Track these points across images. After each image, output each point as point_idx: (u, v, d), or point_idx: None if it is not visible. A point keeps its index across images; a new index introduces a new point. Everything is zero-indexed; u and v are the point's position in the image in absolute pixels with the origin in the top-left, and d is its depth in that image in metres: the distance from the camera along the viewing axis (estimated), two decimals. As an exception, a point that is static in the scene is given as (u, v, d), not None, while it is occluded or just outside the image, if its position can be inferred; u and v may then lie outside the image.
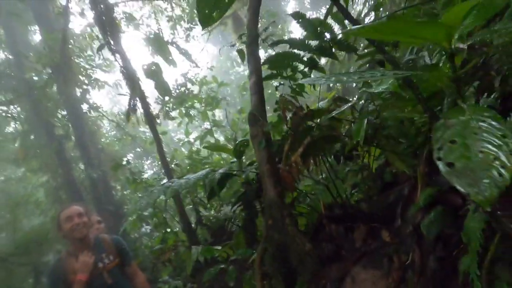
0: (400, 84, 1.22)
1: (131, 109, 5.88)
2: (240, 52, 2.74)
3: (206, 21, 1.30)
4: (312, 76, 2.29)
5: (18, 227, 7.96)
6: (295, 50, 2.17)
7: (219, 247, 2.26)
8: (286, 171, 1.82)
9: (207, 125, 10.53)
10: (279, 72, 2.20)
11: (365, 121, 1.38)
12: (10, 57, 11.62)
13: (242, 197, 2.12)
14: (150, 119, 5.71)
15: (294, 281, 1.64)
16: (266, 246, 1.76)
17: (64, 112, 10.39)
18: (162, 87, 5.41)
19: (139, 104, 5.83)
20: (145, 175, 12.31)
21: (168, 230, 6.47)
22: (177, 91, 6.70)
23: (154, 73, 5.32)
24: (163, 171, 7.21)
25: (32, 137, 11.68)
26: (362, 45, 2.47)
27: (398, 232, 1.40)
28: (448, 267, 1.04)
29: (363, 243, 1.60)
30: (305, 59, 2.18)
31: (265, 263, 1.71)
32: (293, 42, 1.99)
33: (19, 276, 7.29)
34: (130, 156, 14.70)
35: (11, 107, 12.34)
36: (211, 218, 5.88)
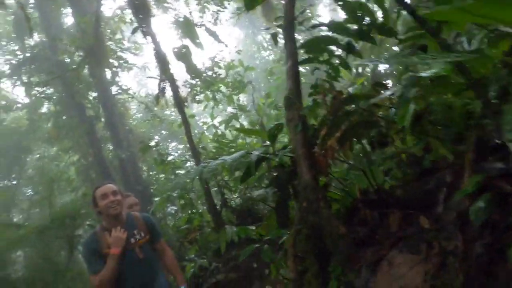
0: (453, 69, 1.20)
1: (161, 92, 6.00)
2: (274, 35, 2.73)
3: (251, 4, 1.31)
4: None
5: (53, 202, 8.40)
6: (332, 34, 2.15)
7: (253, 227, 2.32)
8: (321, 155, 1.84)
9: (231, 109, 10.61)
10: (315, 56, 2.19)
11: (412, 107, 1.36)
12: (45, 39, 12.04)
13: (275, 179, 2.16)
14: (178, 102, 5.82)
15: (327, 262, 1.68)
16: (300, 227, 1.80)
17: (95, 94, 10.73)
18: (192, 70, 5.48)
19: (168, 87, 5.94)
20: (170, 157, 12.61)
21: (194, 211, 6.67)
22: (204, 74, 6.77)
23: (184, 55, 5.39)
24: (189, 153, 7.39)
25: (64, 117, 12.14)
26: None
27: (439, 218, 1.40)
28: (494, 253, 1.04)
29: (399, 229, 1.60)
30: (342, 43, 2.15)
31: (298, 244, 1.76)
32: (332, 26, 1.97)
33: (54, 248, 7.74)
34: (155, 138, 15.09)
35: (45, 88, 12.81)
36: (237, 200, 6.01)
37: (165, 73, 5.50)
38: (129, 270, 2.51)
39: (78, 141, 11.39)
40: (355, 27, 2.04)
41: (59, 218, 7.67)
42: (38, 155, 16.70)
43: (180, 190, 5.98)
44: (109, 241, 2.45)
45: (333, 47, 2.19)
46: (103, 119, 11.22)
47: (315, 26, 2.20)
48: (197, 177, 2.13)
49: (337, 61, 2.22)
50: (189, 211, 6.58)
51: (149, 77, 6.31)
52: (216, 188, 6.57)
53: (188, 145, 9.43)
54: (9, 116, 16.32)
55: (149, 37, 5.64)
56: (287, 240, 1.84)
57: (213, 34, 5.83)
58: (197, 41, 5.84)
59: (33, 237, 7.48)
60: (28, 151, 16.71)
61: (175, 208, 10.17)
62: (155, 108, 10.68)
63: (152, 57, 5.54)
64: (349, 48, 2.17)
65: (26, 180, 17.14)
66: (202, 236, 6.63)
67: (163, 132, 15.75)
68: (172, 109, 13.02)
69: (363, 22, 2.00)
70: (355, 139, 1.87)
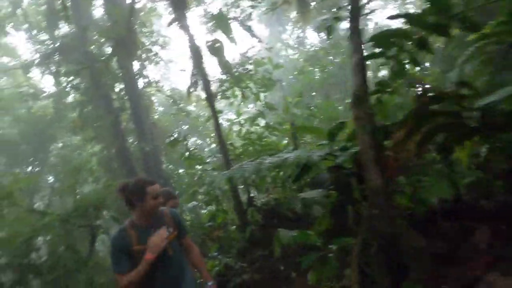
0: None
1: (193, 85, 5.91)
2: (329, 28, 2.56)
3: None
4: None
5: (76, 192, 8.47)
6: (404, 27, 1.97)
7: (310, 232, 2.16)
8: (394, 158, 1.66)
9: (251, 106, 10.47)
10: (382, 51, 2.02)
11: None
12: (75, 30, 12.17)
13: (334, 182, 1.99)
14: (210, 96, 5.71)
15: (400, 277, 1.51)
16: (368, 237, 1.63)
17: (121, 86, 10.78)
18: (224, 65, 5.37)
19: (200, 81, 5.85)
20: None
21: (219, 208, 6.56)
22: (235, 70, 6.65)
23: (217, 50, 5.29)
24: (207, 148, 7.26)
25: (89, 108, 12.26)
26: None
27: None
28: None
29: (489, 246, 1.42)
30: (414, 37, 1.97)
31: (366, 255, 1.59)
32: (410, 17, 1.79)
33: (77, 237, 7.79)
34: (175, 133, 15.12)
35: (72, 78, 12.99)
36: (263, 200, 5.87)
37: (198, 67, 5.40)
38: (159, 266, 2.42)
39: (103, 132, 11.48)
40: (432, 20, 1.86)
41: (82, 207, 7.72)
42: (61, 144, 17.03)
43: (207, 186, 5.89)
44: (135, 238, 2.36)
45: (403, 42, 2.01)
46: (128, 111, 11.28)
47: (392, 17, 2.02)
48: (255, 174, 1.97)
49: (406, 57, 2.04)
50: (213, 208, 6.48)
51: (181, 70, 6.22)
52: (242, 186, 6.45)
53: (209, 140, 9.35)
54: (36, 105, 16.69)
55: (182, 30, 5.57)
56: (352, 249, 1.68)
57: (248, 28, 5.69)
58: (231, 36, 5.72)
59: (56, 224, 7.54)
60: (52, 139, 17.06)
61: (194, 203, 10.15)
62: (180, 102, 10.67)
63: (179, 51, 5.47)
64: (421, 43, 1.99)
65: (48, 167, 17.53)
66: (226, 233, 6.52)
67: (183, 127, 15.78)
68: (195, 104, 13.01)
69: (444, 15, 1.82)
70: (438, 142, 1.68)
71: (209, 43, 5.20)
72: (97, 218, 8.24)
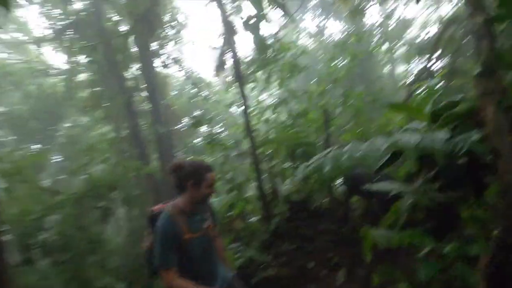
0: None
1: (221, 65, 5.53)
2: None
3: None
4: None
5: (89, 171, 8.19)
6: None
7: (415, 232, 1.83)
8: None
9: (272, 92, 10.04)
10: None
11: None
12: (90, 4, 11.74)
13: (447, 172, 1.65)
14: (239, 76, 5.34)
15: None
16: (502, 244, 1.29)
17: (137, 65, 10.40)
18: (260, 43, 4.97)
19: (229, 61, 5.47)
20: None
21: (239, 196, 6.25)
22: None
23: (254, 26, 4.89)
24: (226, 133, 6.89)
25: (102, 87, 11.92)
26: None
27: None
28: None
29: None
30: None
31: (505, 265, 1.26)
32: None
33: (89, 217, 7.53)
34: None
35: (85, 56, 12.64)
36: (294, 191, 5.55)
37: (230, 44, 5.02)
38: (202, 255, 2.24)
39: (115, 112, 11.16)
40: None
41: (95, 188, 7.44)
42: (70, 123, 16.76)
43: (233, 172, 5.57)
44: (185, 226, 2.18)
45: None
46: (142, 92, 10.93)
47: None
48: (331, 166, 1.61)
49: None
50: (234, 196, 6.16)
51: (212, 47, 5.83)
52: (266, 175, 6.12)
53: (228, 125, 8.98)
54: (47, 82, 16.39)
55: (216, 3, 5.16)
56: (482, 256, 1.34)
57: (282, 6, 5.26)
58: (262, 13, 5.29)
59: (69, 204, 7.28)
60: (62, 118, 16.81)
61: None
62: (198, 85, 10.29)
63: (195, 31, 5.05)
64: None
65: (56, 146, 17.32)
66: (245, 224, 6.22)
67: (197, 111, 15.41)
68: (213, 88, 12.61)
69: None
70: None
71: (245, 19, 4.80)
72: (110, 200, 7.98)
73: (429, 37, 8.60)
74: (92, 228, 7.49)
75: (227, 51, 5.17)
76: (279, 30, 6.47)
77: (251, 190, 6.30)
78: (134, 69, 10.71)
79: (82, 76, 14.14)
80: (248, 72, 5.93)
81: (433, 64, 7.16)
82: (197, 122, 5.65)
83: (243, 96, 5.34)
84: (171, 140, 10.64)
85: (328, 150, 1.61)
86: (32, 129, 16.05)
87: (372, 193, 2.92)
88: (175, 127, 11.53)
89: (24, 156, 8.87)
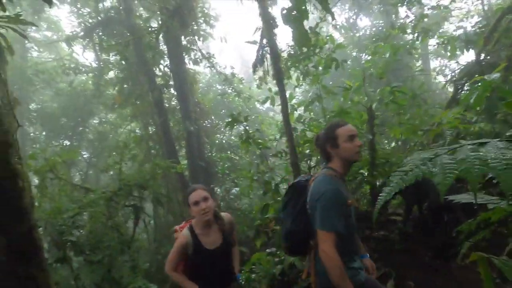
0: None
1: (259, 60, 5.24)
2: None
3: None
4: None
5: (122, 169, 8.11)
6: None
7: None
8: None
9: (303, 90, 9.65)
10: None
11: None
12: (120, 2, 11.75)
13: None
14: (279, 72, 5.02)
15: None
16: None
17: (167, 62, 10.31)
18: (301, 37, 4.64)
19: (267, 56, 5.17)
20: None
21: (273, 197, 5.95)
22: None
23: (295, 19, 4.57)
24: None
25: (130, 84, 11.93)
26: None
27: None
28: None
29: None
30: None
31: None
32: None
33: (120, 217, 7.46)
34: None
35: (115, 53, 12.71)
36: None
37: (269, 38, 4.71)
38: (354, 226, 2.01)
39: (144, 109, 11.13)
40: None
41: (127, 186, 7.35)
42: (99, 120, 17.02)
43: (271, 172, 5.29)
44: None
45: None
46: (173, 91, 10.84)
47: None
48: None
49: None
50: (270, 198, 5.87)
51: (248, 42, 5.55)
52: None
53: (261, 124, 8.68)
54: (77, 79, 16.68)
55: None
56: None
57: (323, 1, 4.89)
58: (304, 6, 4.94)
59: (102, 202, 7.22)
60: (91, 115, 17.09)
61: (237, 188, 9.62)
62: (229, 82, 10.07)
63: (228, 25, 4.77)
64: None
65: (86, 143, 17.65)
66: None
67: (223, 110, 15.29)
68: (244, 84, 12.36)
69: None
70: None
71: (285, 11, 4.48)
72: (141, 199, 7.89)
73: (475, 29, 7.95)
74: (123, 227, 7.43)
75: (265, 46, 4.87)
76: (317, 24, 6.10)
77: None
78: (164, 66, 10.63)
79: (111, 74, 14.31)
80: (286, 67, 5.61)
81: (484, 57, 6.59)
82: (232, 121, 5.39)
83: (282, 92, 5.02)
84: (200, 138, 10.49)
85: (431, 153, 1.27)
86: (63, 126, 16.38)
87: (454, 206, 2.56)
88: (204, 124, 11.37)
89: (55, 152, 8.96)
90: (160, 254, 9.85)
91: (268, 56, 5.20)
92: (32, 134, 17.38)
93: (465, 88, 6.28)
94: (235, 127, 5.62)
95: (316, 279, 1.93)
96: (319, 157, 5.63)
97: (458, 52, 9.22)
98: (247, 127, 5.51)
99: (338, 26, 15.90)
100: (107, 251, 6.66)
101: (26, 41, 17.48)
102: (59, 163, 8.65)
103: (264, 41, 5.08)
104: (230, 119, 5.56)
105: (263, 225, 6.04)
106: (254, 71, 5.16)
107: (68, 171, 16.38)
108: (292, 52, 5.82)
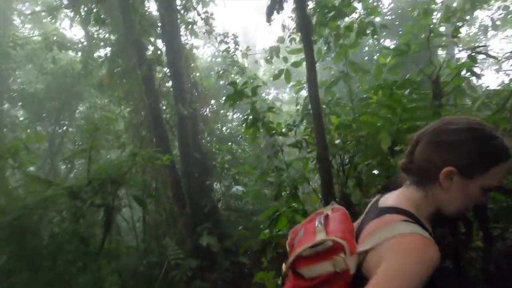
0: None
1: (275, 5, 3.55)
2: None
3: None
4: None
5: (94, 159, 6.46)
6: None
7: None
8: None
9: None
10: None
11: None
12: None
13: None
14: (305, 19, 3.35)
15: None
16: None
17: (158, 31, 8.60)
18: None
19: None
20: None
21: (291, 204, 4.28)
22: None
23: None
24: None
25: (120, 61, 10.33)
26: None
27: None
28: None
29: None
30: None
31: None
32: None
33: (88, 218, 5.84)
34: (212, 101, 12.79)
35: (103, 29, 11.18)
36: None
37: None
38: None
39: (132, 88, 9.49)
40: None
41: (98, 181, 5.70)
42: (88, 103, 15.36)
43: (287, 171, 3.67)
44: None
45: None
46: (164, 68, 9.19)
47: None
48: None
49: None
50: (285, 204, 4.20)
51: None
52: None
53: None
54: (63, 57, 15.07)
55: None
56: None
57: None
58: None
59: (64, 200, 5.59)
60: (80, 97, 15.48)
61: (239, 187, 7.99)
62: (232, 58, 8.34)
63: None
64: None
65: (75, 128, 16.05)
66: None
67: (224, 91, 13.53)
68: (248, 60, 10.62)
69: None
70: None
71: None
72: (116, 196, 6.27)
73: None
74: (91, 233, 5.82)
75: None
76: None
77: (311, 198, 4.34)
78: (156, 38, 8.94)
79: (102, 52, 12.69)
80: (318, 21, 3.95)
81: None
82: (235, 94, 3.75)
83: (309, 50, 3.36)
84: (196, 125, 8.84)
85: None
86: (48, 110, 14.75)
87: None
88: (202, 110, 9.71)
89: (18, 138, 7.42)
90: (147, 259, 8.27)
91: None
92: (12, 119, 15.77)
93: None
94: (238, 104, 3.95)
95: None
96: (355, 149, 3.94)
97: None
98: (256, 104, 3.85)
99: None
100: (64, 262, 5.06)
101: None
102: (24, 150, 7.04)
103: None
104: (231, 93, 3.90)
105: (272, 238, 4.39)
106: (269, 20, 3.47)
107: (50, 159, 14.78)
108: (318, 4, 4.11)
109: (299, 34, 3.51)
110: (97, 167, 5.95)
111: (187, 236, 7.35)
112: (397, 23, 11.13)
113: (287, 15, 3.99)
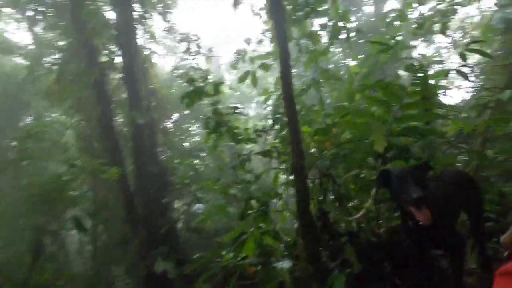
0: None
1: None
2: None
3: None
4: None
5: (29, 171, 5.47)
6: None
7: None
8: None
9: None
10: None
11: None
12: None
13: None
14: (277, 3, 2.84)
15: None
16: None
17: (114, 34, 7.80)
18: None
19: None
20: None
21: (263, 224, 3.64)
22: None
23: None
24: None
25: (71, 66, 9.35)
26: None
27: None
28: None
29: None
30: None
31: None
32: None
33: (18, 247, 4.83)
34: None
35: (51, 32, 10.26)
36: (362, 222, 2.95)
37: None
38: None
39: (82, 95, 8.51)
40: None
41: (30, 200, 4.76)
42: (33, 115, 13.92)
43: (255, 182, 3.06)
44: None
45: None
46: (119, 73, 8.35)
47: None
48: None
49: None
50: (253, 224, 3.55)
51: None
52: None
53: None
54: (9, 63, 13.67)
55: None
56: None
57: None
58: None
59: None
60: (26, 107, 14.03)
61: (200, 206, 7.20)
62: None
63: None
64: None
65: (20, 141, 14.43)
66: (270, 272, 3.60)
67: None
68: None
69: None
70: None
71: None
72: (54, 217, 5.33)
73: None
74: (20, 262, 4.80)
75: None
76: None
77: (280, 216, 3.72)
78: (110, 40, 8.11)
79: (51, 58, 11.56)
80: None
81: None
82: (193, 92, 3.11)
83: (282, 38, 2.84)
84: (155, 137, 8.02)
85: None
86: (-13, 120, 13.15)
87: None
88: (163, 122, 8.93)
89: None
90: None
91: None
92: None
93: None
94: (198, 103, 3.31)
95: None
96: (334, 158, 3.40)
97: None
98: (218, 105, 3.23)
99: None
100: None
101: None
102: None
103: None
104: (188, 91, 3.26)
105: (236, 267, 3.70)
106: (234, 7, 2.92)
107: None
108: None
109: (271, 22, 2.98)
110: (28, 182, 4.99)
111: (140, 261, 6.42)
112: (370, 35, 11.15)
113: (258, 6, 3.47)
